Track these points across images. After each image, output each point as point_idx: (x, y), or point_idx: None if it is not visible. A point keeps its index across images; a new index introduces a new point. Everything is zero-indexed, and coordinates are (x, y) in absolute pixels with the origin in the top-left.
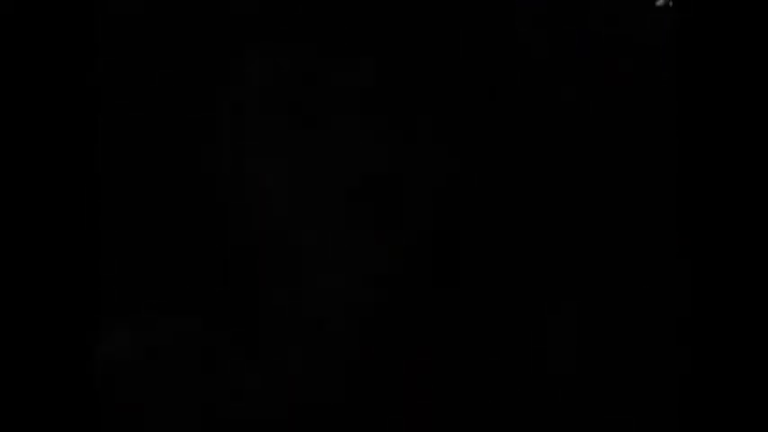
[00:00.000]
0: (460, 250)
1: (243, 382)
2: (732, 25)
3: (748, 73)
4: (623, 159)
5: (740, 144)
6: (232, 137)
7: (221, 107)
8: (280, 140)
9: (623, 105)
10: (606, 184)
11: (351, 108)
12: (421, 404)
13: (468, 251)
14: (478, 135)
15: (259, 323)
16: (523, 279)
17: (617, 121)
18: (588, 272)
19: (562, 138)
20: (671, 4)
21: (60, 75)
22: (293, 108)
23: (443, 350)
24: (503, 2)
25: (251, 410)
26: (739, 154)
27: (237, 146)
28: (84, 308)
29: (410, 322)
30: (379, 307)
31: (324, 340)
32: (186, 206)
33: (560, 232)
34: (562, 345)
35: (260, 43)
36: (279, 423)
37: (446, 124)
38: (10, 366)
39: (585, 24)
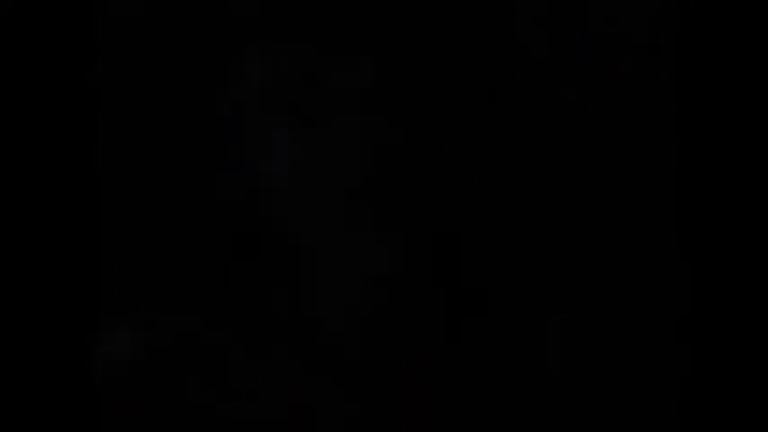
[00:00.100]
0: (460, 250)
1: (243, 382)
2: (732, 25)
3: (748, 73)
4: (623, 159)
5: (740, 144)
6: (232, 137)
7: (221, 107)
8: (280, 140)
9: (623, 105)
10: (606, 183)
11: (351, 108)
12: (421, 404)
13: (468, 251)
14: (478, 135)
15: (259, 323)
16: (523, 279)
17: (617, 121)
18: (588, 271)
19: (562, 138)
20: None
21: (60, 75)
22: (293, 108)
23: (443, 350)
24: (503, 2)
25: (251, 410)
26: (739, 154)
27: (237, 146)
28: (84, 308)
29: (410, 322)
30: (379, 307)
31: (324, 340)
32: (186, 206)
33: (560, 232)
34: (562, 345)
35: (260, 43)
36: (279, 423)
37: (446, 124)
38: (10, 366)
39: (585, 24)
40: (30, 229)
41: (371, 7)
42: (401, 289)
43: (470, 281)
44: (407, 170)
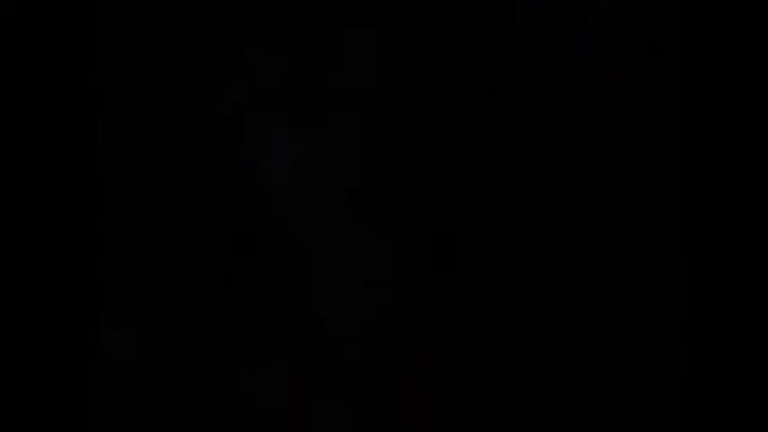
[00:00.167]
0: (460, 250)
1: (243, 382)
2: (732, 25)
3: (748, 72)
4: (623, 159)
5: (740, 144)
6: (232, 137)
7: (221, 107)
8: (280, 140)
9: (623, 105)
10: (606, 183)
11: (351, 108)
12: (421, 403)
13: (468, 251)
14: (478, 135)
15: (259, 323)
16: (523, 279)
17: (617, 121)
18: (589, 272)
19: (562, 138)
20: None
21: (60, 75)
22: (293, 108)
23: (443, 349)
24: (503, 2)
25: (251, 410)
26: (739, 154)
27: (237, 146)
28: (84, 308)
29: (410, 322)
30: (379, 307)
31: (324, 340)
32: (186, 206)
33: (560, 232)
34: (563, 344)
35: (260, 43)
36: (279, 423)
37: (446, 124)
38: (10, 366)
39: (585, 24)
40: (30, 228)
41: (371, 7)
42: (401, 289)
43: (470, 281)
44: (407, 170)
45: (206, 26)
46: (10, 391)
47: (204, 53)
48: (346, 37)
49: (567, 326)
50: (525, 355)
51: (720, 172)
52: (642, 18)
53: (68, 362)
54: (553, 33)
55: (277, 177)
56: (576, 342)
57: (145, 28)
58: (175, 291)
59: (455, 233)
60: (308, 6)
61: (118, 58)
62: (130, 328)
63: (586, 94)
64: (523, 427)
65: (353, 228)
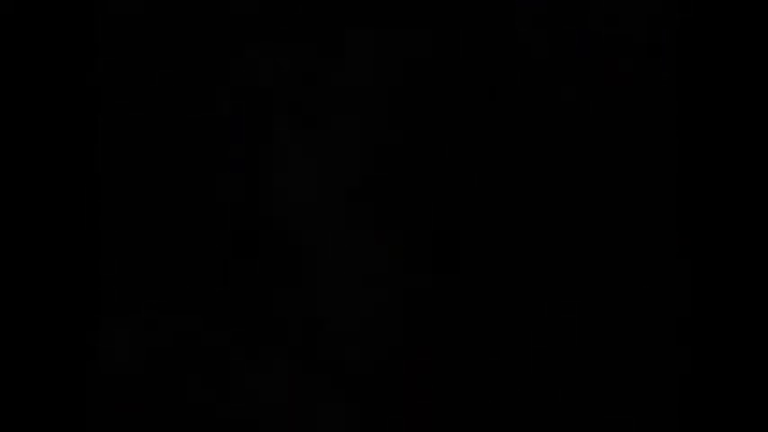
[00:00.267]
0: (460, 250)
1: (243, 382)
2: (731, 25)
3: (748, 72)
4: (623, 159)
5: (740, 143)
6: (232, 137)
7: (221, 107)
8: (280, 140)
9: (623, 105)
10: (606, 183)
11: (351, 108)
12: (421, 403)
13: (467, 251)
14: (478, 135)
15: (259, 323)
16: (523, 278)
17: (617, 121)
18: (589, 272)
19: (562, 138)
20: None
21: (60, 75)
22: (293, 108)
23: (443, 349)
24: (503, 2)
25: (251, 410)
26: (739, 154)
27: (237, 146)
28: (84, 308)
29: (410, 322)
30: (379, 307)
31: (324, 340)
32: (186, 206)
33: (560, 232)
34: (563, 344)
35: (260, 43)
36: (279, 423)
37: (446, 124)
38: (10, 366)
39: (585, 24)
40: (30, 228)
41: (371, 7)
42: (401, 289)
43: (470, 281)
44: (407, 170)
45: (206, 26)
46: (10, 390)
47: (204, 53)
48: (346, 37)
49: (567, 326)
50: (525, 355)
51: (720, 172)
52: (642, 18)
53: (68, 362)
54: (553, 33)
55: (277, 177)
56: (575, 342)
57: (145, 28)
58: (175, 291)
59: (455, 233)
60: (308, 6)
61: (118, 58)
62: (130, 328)
63: (586, 94)
64: (523, 427)
65: (353, 228)
